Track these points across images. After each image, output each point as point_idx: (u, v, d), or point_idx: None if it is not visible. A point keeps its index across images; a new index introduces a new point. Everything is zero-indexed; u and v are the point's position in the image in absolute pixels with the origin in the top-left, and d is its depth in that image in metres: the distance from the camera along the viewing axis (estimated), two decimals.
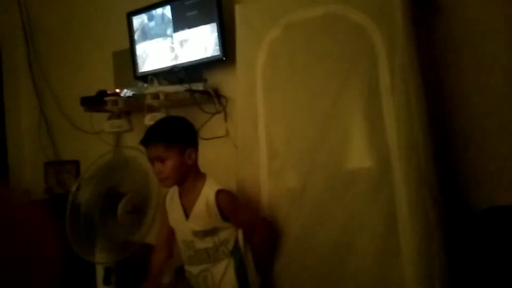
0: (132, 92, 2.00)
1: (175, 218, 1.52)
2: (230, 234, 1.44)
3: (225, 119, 2.01)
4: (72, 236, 1.69)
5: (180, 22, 1.97)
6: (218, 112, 2.01)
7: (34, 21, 2.81)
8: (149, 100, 1.87)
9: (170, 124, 1.56)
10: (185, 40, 1.97)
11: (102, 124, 2.38)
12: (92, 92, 2.22)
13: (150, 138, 1.42)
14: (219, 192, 1.40)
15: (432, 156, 1.25)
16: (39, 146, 2.76)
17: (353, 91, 1.35)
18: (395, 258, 1.19)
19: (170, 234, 1.58)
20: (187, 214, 1.46)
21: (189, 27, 1.94)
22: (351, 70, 1.36)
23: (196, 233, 1.43)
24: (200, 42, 1.93)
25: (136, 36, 2.12)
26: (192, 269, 1.50)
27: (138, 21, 2.11)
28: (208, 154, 2.10)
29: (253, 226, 1.46)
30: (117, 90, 2.09)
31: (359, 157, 1.30)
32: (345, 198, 1.31)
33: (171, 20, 1.99)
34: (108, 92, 2.07)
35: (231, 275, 1.44)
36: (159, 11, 2.03)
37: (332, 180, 1.35)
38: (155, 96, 1.86)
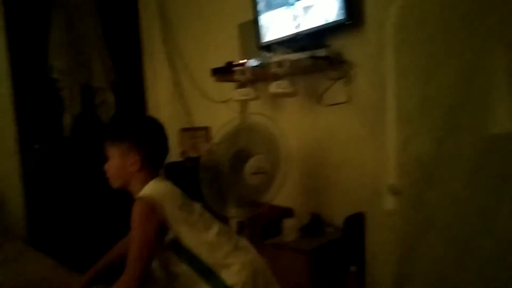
0: (257, 62, 2.09)
1: None
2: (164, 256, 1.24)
3: (348, 85, 2.00)
4: (207, 193, 1.88)
5: None
6: (340, 78, 2.00)
7: (167, 1, 3.08)
8: (273, 69, 1.94)
9: (121, 121, 1.42)
10: (308, 7, 1.98)
11: (229, 93, 2.55)
12: (220, 63, 2.39)
13: (105, 133, 1.33)
14: (136, 201, 1.21)
15: None
16: (174, 114, 3.08)
17: (497, 49, 1.23)
18: None
19: None
20: None
21: None
22: (495, 27, 1.23)
23: None
24: (323, 7, 1.92)
25: (260, 7, 2.20)
26: None
27: None
28: (330, 121, 2.13)
29: (128, 260, 1.16)
30: (243, 61, 2.22)
31: (504, 121, 1.20)
32: (487, 165, 1.22)
33: None
34: (235, 63, 2.20)
35: (198, 284, 1.23)
36: None
37: (471, 147, 1.27)
38: (279, 64, 1.93)
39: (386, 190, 1.52)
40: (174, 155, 3.08)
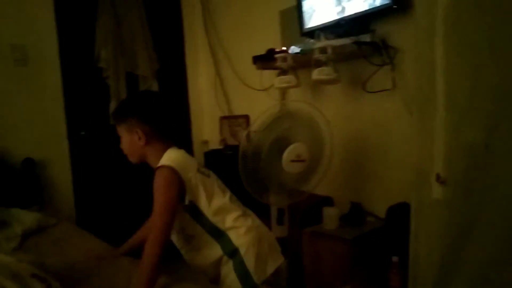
0: (299, 48, 2.07)
1: None
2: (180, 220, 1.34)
3: (393, 71, 1.95)
4: (246, 180, 1.89)
5: None
6: (385, 64, 1.95)
7: None
8: (316, 55, 1.92)
9: (124, 100, 1.60)
10: None
11: (270, 81, 2.55)
12: (261, 51, 2.38)
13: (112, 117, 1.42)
14: (158, 169, 1.31)
15: None
16: (215, 103, 3.12)
17: None
18: None
19: None
20: None
21: None
22: None
23: None
24: None
25: None
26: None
27: None
28: (374, 108, 2.09)
29: (152, 222, 1.30)
30: (284, 48, 2.20)
31: None
32: None
33: None
34: (277, 50, 2.19)
35: (232, 276, 1.33)
36: None
37: None
38: (323, 50, 1.90)
39: (433, 179, 1.48)
40: (214, 143, 3.13)
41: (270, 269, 1.38)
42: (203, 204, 1.33)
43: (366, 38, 1.89)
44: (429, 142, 1.50)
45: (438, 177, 1.46)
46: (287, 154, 1.80)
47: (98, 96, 2.68)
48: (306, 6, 2.17)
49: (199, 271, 1.43)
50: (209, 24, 3.09)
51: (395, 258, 1.78)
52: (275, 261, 1.41)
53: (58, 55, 2.53)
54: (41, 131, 2.48)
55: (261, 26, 2.68)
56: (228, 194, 1.43)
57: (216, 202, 1.36)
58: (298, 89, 2.26)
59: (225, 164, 2.57)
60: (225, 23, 3.01)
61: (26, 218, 1.99)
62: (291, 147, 1.81)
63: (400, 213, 1.90)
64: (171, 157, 1.35)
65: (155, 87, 2.84)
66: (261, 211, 1.76)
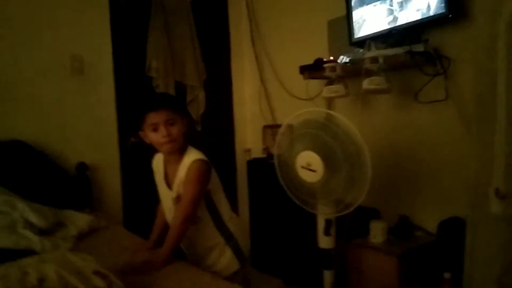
0: (349, 58, 2.06)
1: (158, 184, 1.67)
2: None
3: (447, 81, 1.90)
4: (288, 189, 1.88)
5: None
6: (438, 74, 1.91)
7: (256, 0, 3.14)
8: (367, 65, 1.90)
9: (171, 96, 2.05)
10: (405, 1, 1.91)
11: (315, 91, 2.55)
12: (307, 61, 2.39)
13: (160, 103, 1.54)
14: (195, 161, 1.49)
15: None
16: (259, 111, 3.14)
17: None
18: None
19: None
20: (168, 184, 1.59)
21: None
22: None
23: (175, 200, 1.55)
24: (422, 1, 1.84)
25: (353, 3, 2.16)
26: None
27: None
28: (426, 119, 2.04)
29: (182, 205, 1.49)
30: (332, 58, 2.19)
31: None
32: None
33: None
34: (326, 60, 2.19)
35: (229, 254, 1.60)
36: None
37: None
38: (374, 60, 1.88)
39: (491, 194, 1.42)
40: (256, 151, 3.15)
41: (248, 245, 1.84)
42: (214, 194, 1.58)
43: (420, 47, 1.85)
44: (487, 155, 1.45)
45: (497, 192, 1.40)
46: (298, 159, 1.77)
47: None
48: (356, 16, 2.16)
49: (189, 247, 1.65)
50: (256, 34, 3.13)
51: (447, 275, 1.72)
52: (248, 241, 1.96)
53: (112, 65, 2.64)
54: (94, 136, 2.58)
55: (307, 36, 2.69)
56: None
57: (221, 195, 1.63)
58: (346, 98, 2.25)
59: (268, 172, 2.58)
60: (271, 33, 3.04)
61: (79, 220, 2.06)
62: (301, 154, 1.75)
63: (453, 228, 1.84)
64: (199, 152, 1.54)
65: (202, 96, 2.90)
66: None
